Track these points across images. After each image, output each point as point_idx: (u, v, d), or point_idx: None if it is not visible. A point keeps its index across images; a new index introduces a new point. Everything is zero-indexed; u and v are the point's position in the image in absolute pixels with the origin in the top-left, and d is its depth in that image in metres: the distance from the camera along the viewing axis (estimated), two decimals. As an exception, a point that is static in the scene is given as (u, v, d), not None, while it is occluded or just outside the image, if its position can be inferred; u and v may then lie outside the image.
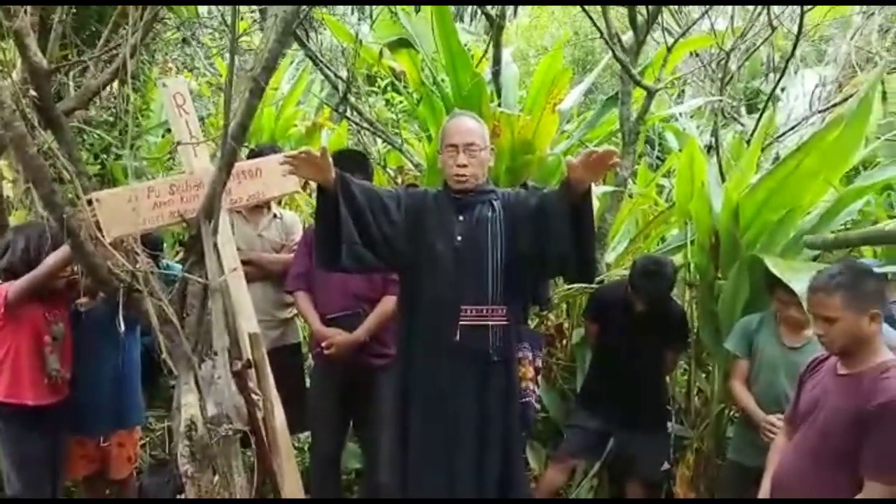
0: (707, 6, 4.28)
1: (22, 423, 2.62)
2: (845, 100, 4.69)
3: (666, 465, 3.16)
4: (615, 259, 4.20)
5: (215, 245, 2.25)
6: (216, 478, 2.03)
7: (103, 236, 2.15)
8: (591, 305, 3.38)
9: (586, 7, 4.07)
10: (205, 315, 2.19)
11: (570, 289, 3.79)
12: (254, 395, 2.22)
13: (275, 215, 3.32)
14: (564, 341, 4.04)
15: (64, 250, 2.51)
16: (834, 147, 2.88)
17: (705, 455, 3.34)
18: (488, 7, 4.46)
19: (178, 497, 2.22)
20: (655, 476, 3.15)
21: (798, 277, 2.49)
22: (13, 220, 3.04)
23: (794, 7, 4.14)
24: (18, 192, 3.15)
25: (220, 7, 4.82)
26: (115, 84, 2.81)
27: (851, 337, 1.96)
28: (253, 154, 3.19)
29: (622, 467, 3.26)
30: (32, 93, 2.16)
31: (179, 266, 2.88)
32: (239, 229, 3.06)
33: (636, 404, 3.06)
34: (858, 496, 1.89)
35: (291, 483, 2.38)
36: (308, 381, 3.30)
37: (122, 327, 2.10)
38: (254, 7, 4.61)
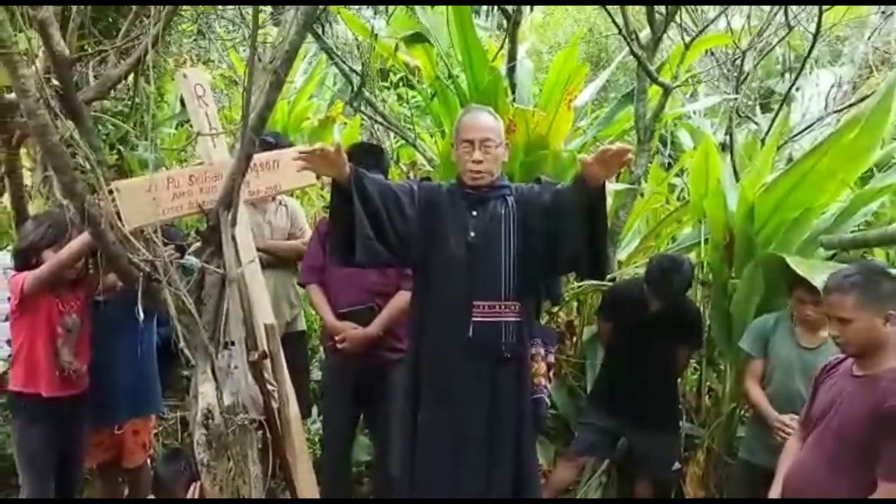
0: (725, 6, 4.25)
1: (36, 414, 2.61)
2: (861, 100, 4.66)
3: (677, 465, 3.16)
4: (626, 257, 4.19)
5: (233, 236, 2.26)
6: (231, 466, 2.05)
7: (123, 226, 2.17)
8: (605, 303, 3.36)
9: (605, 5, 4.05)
10: (222, 305, 2.20)
11: (580, 286, 3.79)
12: (269, 386, 2.24)
13: (280, 202, 3.38)
14: (575, 339, 4.04)
15: (81, 240, 2.51)
16: (851, 147, 2.88)
17: (716, 454, 3.34)
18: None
19: (193, 485, 2.24)
20: (666, 476, 3.15)
21: (818, 276, 2.49)
22: (32, 209, 3.06)
23: (812, 7, 4.11)
24: (37, 181, 3.18)
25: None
26: (131, 75, 2.82)
27: (866, 338, 1.96)
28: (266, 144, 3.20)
29: (632, 466, 3.26)
30: (55, 82, 2.17)
31: (193, 258, 2.89)
32: (248, 217, 3.10)
33: (648, 403, 3.05)
34: (871, 497, 1.88)
35: (304, 473, 2.40)
36: (316, 373, 3.33)
37: (142, 317, 2.11)
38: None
